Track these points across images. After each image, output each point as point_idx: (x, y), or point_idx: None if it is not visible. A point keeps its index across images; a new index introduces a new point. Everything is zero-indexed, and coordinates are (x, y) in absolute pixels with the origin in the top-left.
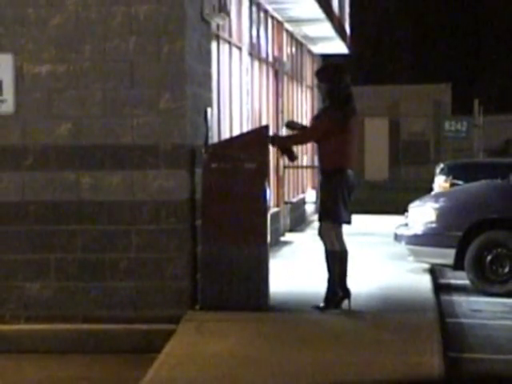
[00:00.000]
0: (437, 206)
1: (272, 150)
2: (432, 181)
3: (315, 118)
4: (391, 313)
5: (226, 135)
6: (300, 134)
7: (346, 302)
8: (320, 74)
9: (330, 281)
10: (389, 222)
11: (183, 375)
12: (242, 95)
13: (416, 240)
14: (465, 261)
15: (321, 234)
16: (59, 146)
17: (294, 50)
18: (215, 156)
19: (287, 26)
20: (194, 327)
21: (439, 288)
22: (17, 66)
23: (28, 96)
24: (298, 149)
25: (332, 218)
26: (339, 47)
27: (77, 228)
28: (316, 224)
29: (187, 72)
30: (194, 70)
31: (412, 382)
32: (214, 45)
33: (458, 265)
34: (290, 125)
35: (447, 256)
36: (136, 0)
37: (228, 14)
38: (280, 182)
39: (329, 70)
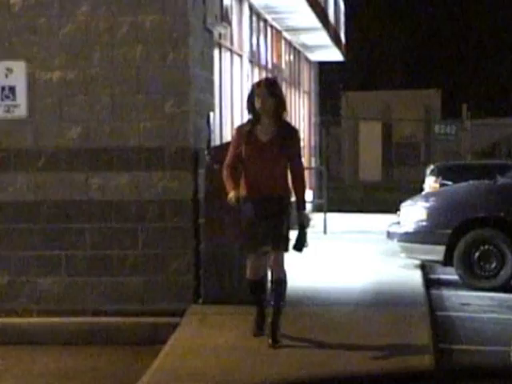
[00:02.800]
0: (427, 205)
1: None
2: (423, 181)
3: (289, 144)
4: (384, 306)
5: (227, 138)
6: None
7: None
8: (273, 87)
9: (280, 311)
10: (381, 221)
11: (187, 365)
12: (243, 100)
13: (407, 237)
14: (454, 257)
15: (279, 264)
16: (69, 148)
17: (291, 57)
18: (217, 158)
19: (285, 34)
20: (197, 320)
21: (429, 283)
22: (29, 72)
23: (40, 101)
24: None
25: (287, 246)
26: (335, 55)
27: (86, 226)
28: (314, 222)
29: (191, 78)
30: (198, 77)
31: (404, 373)
32: (216, 52)
33: (447, 261)
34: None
35: (437, 252)
36: (142, 10)
37: (229, 23)
38: None
39: (277, 84)
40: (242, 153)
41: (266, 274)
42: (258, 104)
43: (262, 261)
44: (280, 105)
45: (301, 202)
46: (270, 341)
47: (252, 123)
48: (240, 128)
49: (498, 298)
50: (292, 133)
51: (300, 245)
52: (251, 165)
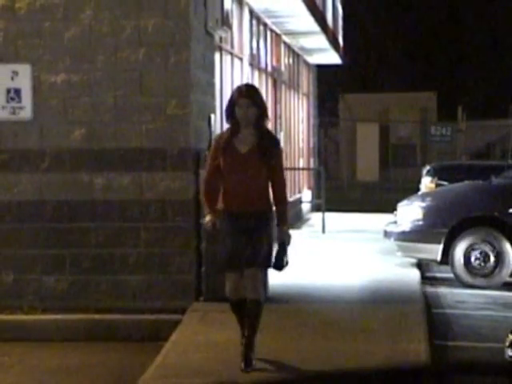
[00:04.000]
0: (423, 204)
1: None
2: (419, 181)
3: (270, 154)
4: (381, 304)
5: None
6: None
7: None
8: (254, 95)
9: (255, 333)
10: (379, 220)
11: (188, 361)
12: None
13: (404, 236)
14: (449, 256)
15: (256, 283)
16: (74, 149)
17: (291, 60)
18: None
19: (285, 38)
20: (198, 317)
21: (425, 281)
22: (34, 75)
23: (45, 103)
24: (294, 151)
25: (268, 264)
26: (333, 58)
27: (90, 225)
28: (313, 221)
29: (192, 81)
30: (199, 79)
31: (400, 369)
32: (217, 56)
33: (443, 259)
34: None
35: (433, 251)
36: (145, 14)
37: (230, 27)
38: None
39: (259, 91)
40: (220, 165)
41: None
42: (238, 113)
43: (240, 285)
44: (262, 114)
45: (281, 216)
46: (242, 365)
47: (231, 133)
48: (218, 138)
49: (492, 295)
50: (273, 143)
51: (279, 263)
52: (230, 178)
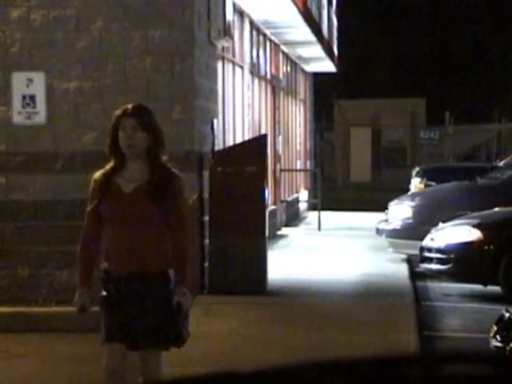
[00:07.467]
0: (413, 204)
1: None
2: (409, 182)
3: (164, 193)
4: (373, 297)
5: (229, 143)
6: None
7: None
8: (143, 116)
9: None
10: (371, 218)
11: (192, 351)
12: (244, 108)
13: (395, 233)
14: None
15: (151, 365)
16: (85, 152)
17: (289, 68)
18: (220, 161)
19: (283, 47)
20: (202, 309)
21: (415, 275)
22: (48, 82)
23: (58, 109)
24: (292, 153)
25: (164, 341)
26: (328, 66)
27: None
28: (309, 219)
29: (196, 88)
30: (202, 86)
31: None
32: (219, 64)
33: None
34: None
35: None
36: (152, 25)
37: (232, 37)
38: (277, 183)
39: (150, 112)
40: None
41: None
42: (122, 139)
43: (120, 364)
44: (155, 140)
45: (179, 275)
46: None
47: (113, 167)
48: (97, 177)
49: (478, 289)
50: (170, 178)
51: (177, 336)
52: (111, 227)
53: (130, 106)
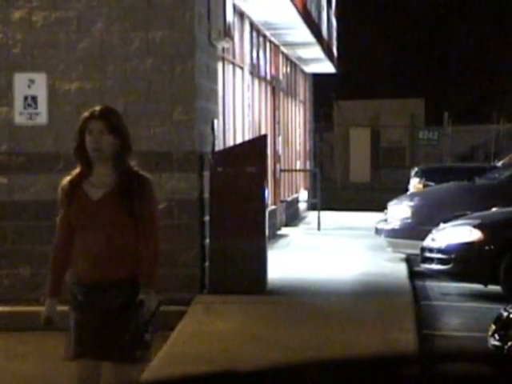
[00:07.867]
0: (412, 204)
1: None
2: (408, 182)
3: (132, 198)
4: (372, 296)
5: (230, 143)
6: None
7: None
8: (111, 118)
9: None
10: (370, 218)
11: (193, 350)
12: (244, 109)
13: (394, 233)
14: None
15: (121, 381)
16: None
17: (288, 69)
18: (221, 161)
19: (283, 49)
20: (202, 309)
21: (414, 275)
22: (49, 83)
23: (59, 109)
24: (292, 154)
25: (136, 354)
26: (328, 67)
27: None
28: (309, 219)
29: (196, 88)
30: (203, 87)
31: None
32: (219, 65)
33: None
34: None
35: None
36: (152, 26)
37: (232, 38)
38: (276, 183)
39: (118, 114)
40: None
41: None
42: (89, 143)
43: (94, 374)
44: (123, 144)
45: (148, 277)
46: None
47: (79, 173)
48: (64, 185)
49: (477, 288)
50: (140, 182)
51: (139, 346)
52: (80, 235)
53: (97, 109)
